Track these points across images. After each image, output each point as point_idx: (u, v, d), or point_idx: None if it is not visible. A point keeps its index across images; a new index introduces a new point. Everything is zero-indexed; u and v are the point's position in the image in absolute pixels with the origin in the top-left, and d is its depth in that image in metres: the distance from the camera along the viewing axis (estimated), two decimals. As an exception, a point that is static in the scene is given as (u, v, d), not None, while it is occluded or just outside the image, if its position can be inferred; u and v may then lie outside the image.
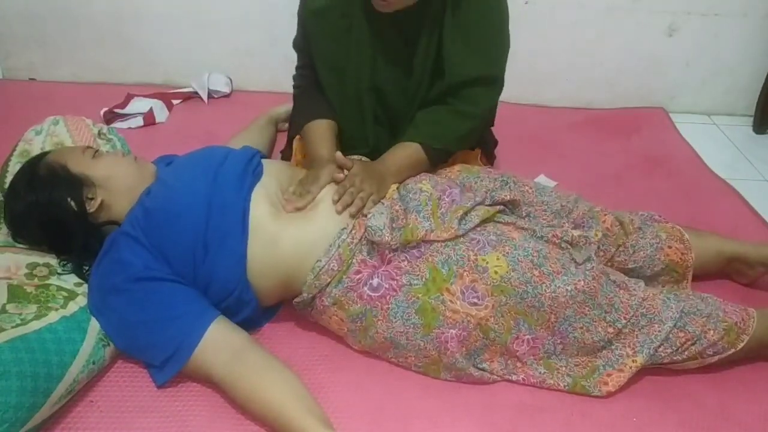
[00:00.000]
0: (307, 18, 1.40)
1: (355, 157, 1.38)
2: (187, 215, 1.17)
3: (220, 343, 1.11)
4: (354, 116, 1.44)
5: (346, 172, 1.29)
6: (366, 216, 1.22)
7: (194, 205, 1.18)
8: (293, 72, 1.53)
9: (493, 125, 1.61)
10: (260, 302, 1.24)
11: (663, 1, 2.23)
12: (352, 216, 1.22)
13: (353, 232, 1.20)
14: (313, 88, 1.47)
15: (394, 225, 1.21)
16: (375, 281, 1.17)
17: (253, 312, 1.23)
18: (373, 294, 1.17)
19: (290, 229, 1.20)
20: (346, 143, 1.45)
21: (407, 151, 1.36)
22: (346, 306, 1.18)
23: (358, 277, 1.18)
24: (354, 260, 1.18)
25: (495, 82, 1.38)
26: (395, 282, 1.17)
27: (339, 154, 1.31)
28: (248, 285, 1.19)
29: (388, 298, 1.17)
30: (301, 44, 1.47)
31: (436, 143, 1.37)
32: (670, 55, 2.33)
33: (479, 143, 1.57)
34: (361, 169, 1.29)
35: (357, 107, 1.43)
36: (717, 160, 2.08)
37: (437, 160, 1.40)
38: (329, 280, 1.18)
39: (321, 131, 1.42)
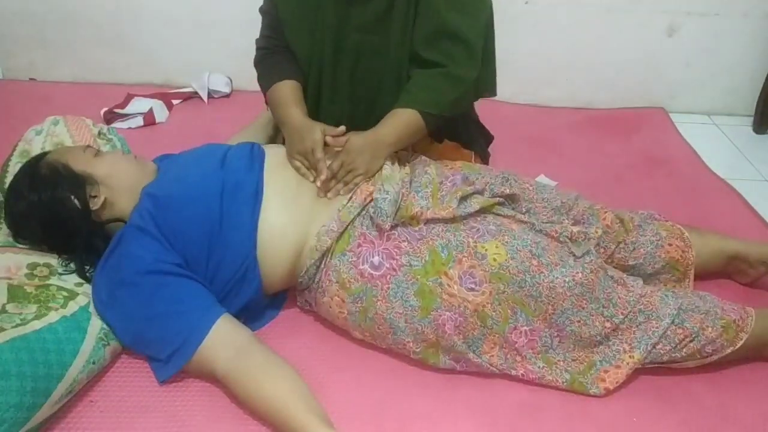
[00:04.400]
0: None
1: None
2: (201, 199, 1.20)
3: (224, 339, 1.12)
4: (326, 81, 1.42)
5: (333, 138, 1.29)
6: (375, 185, 1.25)
7: (208, 190, 1.21)
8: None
9: (476, 114, 1.59)
10: (265, 284, 1.24)
11: (663, 1, 2.23)
12: (324, 195, 1.25)
13: (353, 198, 1.23)
14: (276, 52, 1.45)
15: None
16: (376, 259, 1.18)
17: (255, 296, 1.24)
18: (374, 272, 1.18)
19: (301, 200, 1.23)
20: (318, 114, 1.44)
21: (405, 119, 1.31)
22: (348, 284, 1.19)
23: (359, 250, 1.19)
24: (355, 232, 1.20)
25: (472, 41, 1.31)
26: (395, 261, 1.18)
27: (330, 139, 1.30)
28: (256, 260, 1.21)
29: (388, 277, 1.18)
30: (267, 9, 1.45)
31: (432, 109, 1.31)
32: (670, 55, 2.34)
33: (471, 145, 1.56)
34: (357, 145, 1.27)
35: (328, 72, 1.41)
36: (717, 160, 2.08)
37: (433, 126, 1.35)
38: (329, 242, 1.20)
39: (287, 93, 1.39)
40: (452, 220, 1.22)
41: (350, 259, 1.20)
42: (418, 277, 1.17)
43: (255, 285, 1.23)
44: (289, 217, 1.23)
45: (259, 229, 1.20)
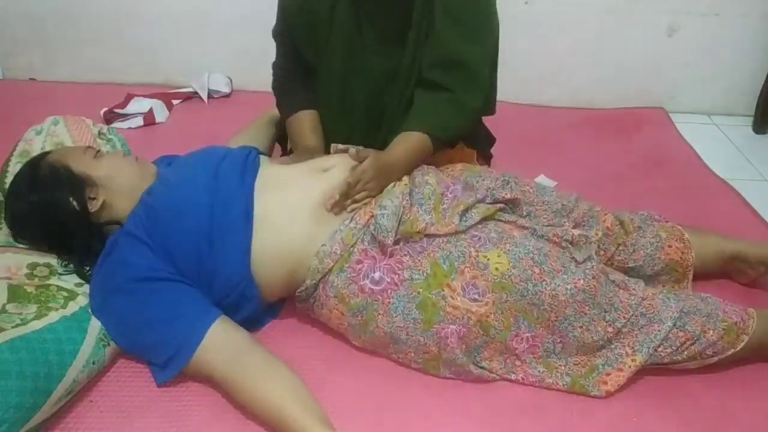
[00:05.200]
0: (287, 6, 1.41)
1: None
2: (190, 212, 1.18)
3: (221, 342, 1.12)
4: (336, 102, 1.45)
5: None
6: (376, 202, 1.23)
7: (198, 203, 1.19)
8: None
9: (491, 113, 1.61)
10: (263, 297, 1.24)
11: (663, 1, 2.24)
12: (335, 213, 1.23)
13: (357, 218, 1.21)
14: (293, 78, 1.49)
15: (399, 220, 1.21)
16: (377, 274, 1.18)
17: (255, 309, 1.23)
18: (374, 287, 1.17)
19: (297, 220, 1.21)
20: (331, 133, 1.46)
21: (415, 143, 1.33)
22: (347, 299, 1.19)
23: (359, 267, 1.18)
24: (356, 249, 1.19)
25: (480, 72, 1.34)
26: (397, 276, 1.17)
27: (352, 151, 1.29)
28: (252, 280, 1.20)
29: (389, 292, 1.17)
30: (280, 32, 1.47)
31: (441, 134, 1.35)
32: (670, 55, 2.34)
33: (475, 144, 1.57)
34: (372, 164, 1.25)
35: (338, 93, 1.44)
36: (717, 160, 2.08)
37: (439, 148, 1.38)
38: (332, 264, 1.18)
39: (305, 123, 1.45)
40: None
41: (348, 275, 1.18)
42: (420, 290, 1.16)
43: (255, 301, 1.22)
44: (282, 239, 1.20)
45: (252, 251, 1.18)
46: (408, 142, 1.33)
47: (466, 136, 1.48)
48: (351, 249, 1.19)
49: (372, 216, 1.21)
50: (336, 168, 1.28)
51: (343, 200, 1.23)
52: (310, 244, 1.20)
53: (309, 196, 1.24)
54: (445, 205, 1.25)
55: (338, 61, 1.40)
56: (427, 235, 1.20)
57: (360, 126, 1.44)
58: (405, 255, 1.19)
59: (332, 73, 1.42)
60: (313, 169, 1.29)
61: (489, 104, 1.43)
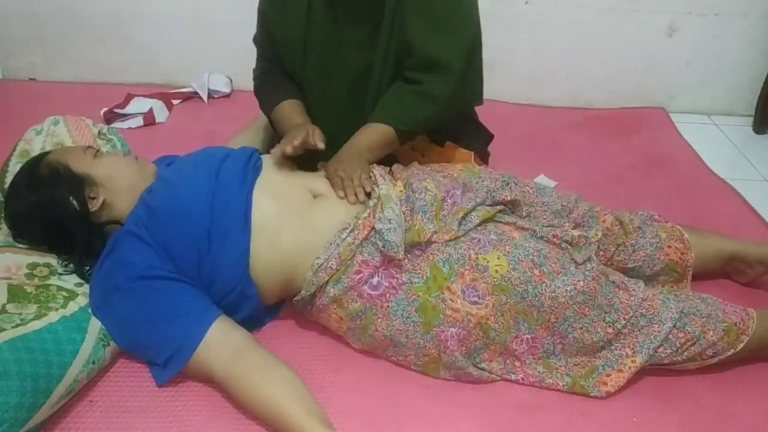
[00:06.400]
0: (265, 8, 1.43)
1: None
2: (191, 212, 1.18)
3: (221, 342, 1.11)
4: (318, 99, 1.46)
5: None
6: (375, 214, 1.21)
7: (198, 202, 1.18)
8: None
9: (475, 113, 1.61)
10: (262, 299, 1.24)
11: (663, 1, 2.24)
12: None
13: (356, 232, 1.19)
14: (274, 78, 1.50)
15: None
16: (375, 280, 1.17)
17: (254, 309, 1.23)
18: (373, 292, 1.17)
19: (291, 226, 1.20)
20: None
21: (377, 131, 1.37)
22: (346, 304, 1.18)
23: (358, 276, 1.17)
24: (355, 260, 1.18)
25: (449, 62, 1.33)
26: (395, 280, 1.17)
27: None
28: (250, 281, 1.19)
29: (388, 296, 1.17)
30: (260, 38, 1.50)
31: (403, 126, 1.37)
32: (670, 55, 2.34)
33: (471, 145, 1.56)
34: (335, 161, 1.32)
35: (320, 90, 1.45)
36: (717, 160, 2.08)
37: (405, 139, 1.41)
38: (327, 278, 1.18)
39: (288, 107, 1.44)
40: None
41: (346, 284, 1.17)
42: (420, 293, 1.16)
43: (254, 302, 1.22)
44: (274, 247, 1.19)
45: (251, 252, 1.18)
46: (369, 131, 1.37)
47: (441, 125, 1.47)
48: (348, 262, 1.18)
49: (372, 229, 1.18)
50: (326, 199, 1.27)
51: (350, 191, 1.26)
52: (304, 255, 1.19)
53: (300, 207, 1.23)
54: (445, 211, 1.23)
55: (317, 58, 1.41)
56: (427, 240, 1.19)
57: (341, 123, 1.44)
58: (404, 259, 1.18)
59: (314, 71, 1.43)
60: (306, 190, 1.27)
61: (472, 91, 1.43)
